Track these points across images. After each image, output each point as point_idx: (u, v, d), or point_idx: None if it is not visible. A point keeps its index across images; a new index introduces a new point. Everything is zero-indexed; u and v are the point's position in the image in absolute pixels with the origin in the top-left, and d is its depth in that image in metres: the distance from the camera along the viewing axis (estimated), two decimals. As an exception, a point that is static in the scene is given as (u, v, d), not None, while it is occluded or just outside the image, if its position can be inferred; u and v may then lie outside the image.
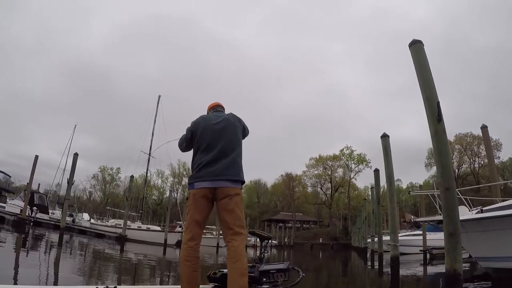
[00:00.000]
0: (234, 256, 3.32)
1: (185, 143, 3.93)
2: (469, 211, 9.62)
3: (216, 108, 4.19)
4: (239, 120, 4.02)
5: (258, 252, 4.28)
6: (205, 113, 4.20)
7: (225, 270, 3.53)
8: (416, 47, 6.68)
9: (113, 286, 3.19)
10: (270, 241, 4.56)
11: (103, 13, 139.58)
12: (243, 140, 4.05)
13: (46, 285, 6.71)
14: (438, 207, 9.39)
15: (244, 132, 4.09)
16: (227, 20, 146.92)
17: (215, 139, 3.70)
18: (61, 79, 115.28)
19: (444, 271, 5.42)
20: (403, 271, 12.84)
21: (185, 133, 3.95)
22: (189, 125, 3.93)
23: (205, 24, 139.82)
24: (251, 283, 3.53)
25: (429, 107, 6.02)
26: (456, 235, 5.41)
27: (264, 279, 3.81)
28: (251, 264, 3.79)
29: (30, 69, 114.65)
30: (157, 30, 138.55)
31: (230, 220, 3.49)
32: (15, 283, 6.29)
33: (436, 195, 9.34)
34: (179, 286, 3.40)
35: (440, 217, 8.73)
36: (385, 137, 11.79)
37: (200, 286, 3.47)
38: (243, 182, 3.81)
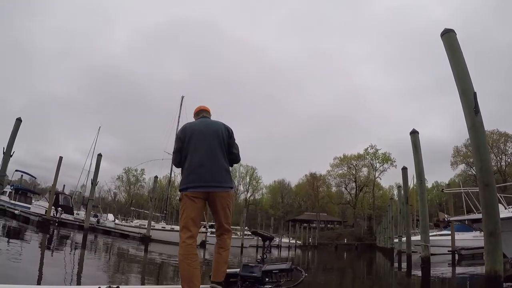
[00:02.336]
0: (223, 247, 3.84)
1: (178, 156, 3.98)
2: (505, 209, 9.14)
3: (202, 114, 4.27)
4: (227, 129, 4.11)
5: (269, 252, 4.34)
6: (201, 113, 4.28)
7: (228, 270, 3.78)
8: (448, 36, 6.36)
9: (115, 286, 3.15)
10: (272, 241, 4.53)
11: (127, 19, 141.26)
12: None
13: (69, 284, 6.65)
14: (472, 206, 8.93)
15: (231, 143, 4.14)
16: (247, 22, 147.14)
17: (202, 144, 3.86)
18: (86, 83, 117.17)
19: (475, 272, 5.04)
20: (430, 272, 12.41)
21: (174, 148, 4.09)
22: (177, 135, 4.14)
23: (225, 26, 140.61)
24: (254, 283, 3.70)
25: (465, 99, 5.70)
26: (497, 234, 5.04)
27: (267, 279, 3.83)
28: (253, 264, 3.88)
29: (56, 74, 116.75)
30: (178, 33, 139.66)
31: (223, 218, 3.87)
32: (39, 283, 6.36)
33: (470, 193, 8.90)
34: (180, 286, 3.44)
35: (475, 216, 8.30)
36: (414, 134, 11.36)
37: (203, 286, 3.50)
38: (231, 187, 4.05)
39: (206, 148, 3.83)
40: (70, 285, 6.71)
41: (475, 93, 5.58)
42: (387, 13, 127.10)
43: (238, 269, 3.91)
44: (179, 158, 3.94)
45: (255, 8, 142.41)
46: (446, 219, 15.04)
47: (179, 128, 4.06)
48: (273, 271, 3.87)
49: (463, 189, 10.50)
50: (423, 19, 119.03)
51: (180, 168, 3.98)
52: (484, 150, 5.36)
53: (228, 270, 3.75)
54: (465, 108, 5.64)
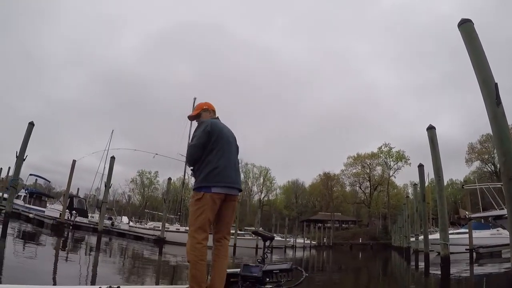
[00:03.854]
0: (226, 254, 3.75)
1: (200, 151, 3.81)
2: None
3: (216, 115, 4.32)
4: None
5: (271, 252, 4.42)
6: (215, 113, 4.30)
7: (229, 270, 3.76)
8: (466, 26, 6.15)
9: (116, 286, 3.16)
10: (272, 241, 4.51)
11: (136, 25, 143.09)
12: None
13: (85, 284, 6.61)
14: (493, 202, 8.68)
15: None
16: (255, 24, 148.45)
17: (228, 146, 3.90)
18: (99, 88, 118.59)
19: (494, 271, 4.85)
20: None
21: (196, 141, 3.83)
22: (203, 128, 3.86)
23: (234, 29, 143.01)
24: (254, 283, 3.69)
25: (486, 89, 5.47)
26: (523, 231, 4.80)
27: (267, 279, 3.82)
28: (254, 264, 3.87)
29: (69, 80, 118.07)
30: (187, 36, 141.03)
31: (230, 221, 3.88)
32: (55, 283, 6.41)
33: (491, 189, 8.64)
34: (181, 286, 3.53)
35: (498, 212, 8.05)
36: (431, 129, 11.07)
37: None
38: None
39: (231, 152, 3.91)
40: (80, 285, 6.65)
41: (496, 84, 5.37)
42: (393, 9, 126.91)
43: (239, 269, 3.88)
44: (200, 153, 3.78)
45: (263, 9, 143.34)
46: (467, 216, 14.73)
47: (208, 125, 3.86)
48: (274, 271, 3.87)
49: (484, 185, 10.26)
50: (430, 15, 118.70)
51: (193, 165, 3.86)
52: (508, 142, 5.13)
53: (228, 270, 3.75)
54: (486, 99, 5.42)
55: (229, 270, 3.73)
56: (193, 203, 3.66)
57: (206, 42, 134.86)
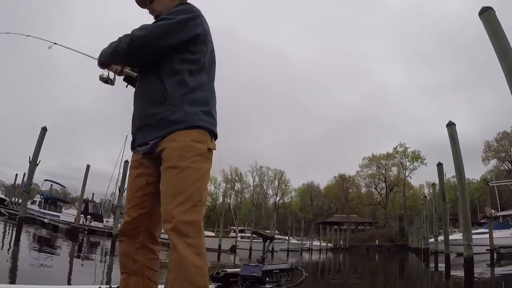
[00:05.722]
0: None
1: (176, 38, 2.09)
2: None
3: None
4: None
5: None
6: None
7: (229, 270, 3.65)
8: (487, 14, 5.87)
9: (116, 286, 2.92)
10: (273, 241, 4.49)
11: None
12: None
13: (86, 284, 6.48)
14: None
15: None
16: (266, 27, 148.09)
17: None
18: (111, 94, 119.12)
19: None
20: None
21: (178, 27, 2.08)
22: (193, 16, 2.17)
23: (244, 33, 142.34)
24: (254, 283, 3.57)
25: (511, 79, 5.17)
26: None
27: (267, 279, 3.70)
28: (254, 264, 3.75)
29: (83, 86, 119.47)
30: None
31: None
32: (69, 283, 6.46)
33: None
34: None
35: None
36: (451, 125, 10.72)
37: None
38: None
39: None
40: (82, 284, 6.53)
41: (523, 73, 5.08)
42: (401, 9, 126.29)
43: (239, 269, 3.73)
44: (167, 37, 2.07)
45: (273, 13, 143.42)
46: (493, 214, 14.31)
47: (201, 20, 2.24)
48: (274, 271, 3.73)
49: (509, 181, 9.88)
50: (439, 14, 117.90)
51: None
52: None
53: (228, 270, 3.65)
54: (512, 90, 5.12)
55: (229, 270, 3.61)
56: (195, 155, 2.01)
57: (218, 44, 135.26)
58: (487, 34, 5.87)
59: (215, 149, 2.15)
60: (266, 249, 4.13)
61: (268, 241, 4.28)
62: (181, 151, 1.97)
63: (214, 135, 2.16)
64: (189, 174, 1.95)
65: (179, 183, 1.94)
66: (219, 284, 3.72)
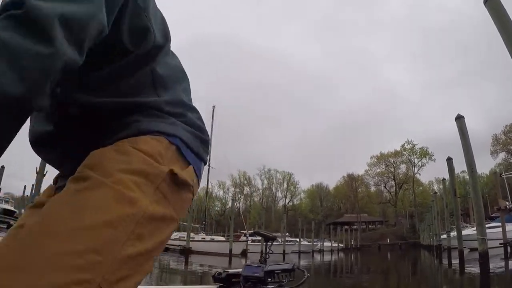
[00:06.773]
0: None
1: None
2: None
3: None
4: None
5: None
6: None
7: (230, 270, 3.52)
8: (492, 2, 5.73)
9: None
10: (274, 241, 4.27)
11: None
12: None
13: None
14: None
15: None
16: (270, 30, 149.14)
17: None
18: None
19: None
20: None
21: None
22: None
23: (250, 39, 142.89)
24: (256, 283, 3.43)
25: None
26: None
27: (269, 279, 3.53)
28: (256, 264, 3.60)
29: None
30: (204, 47, 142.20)
31: None
32: None
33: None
34: (182, 286, 3.16)
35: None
36: (460, 119, 10.56)
37: (205, 286, 3.47)
38: None
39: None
40: None
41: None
42: (405, 9, 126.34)
43: (241, 269, 3.56)
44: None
45: (278, 16, 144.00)
46: (508, 206, 14.10)
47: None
48: (276, 271, 3.55)
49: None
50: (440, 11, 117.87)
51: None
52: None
53: (230, 270, 3.53)
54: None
55: (231, 270, 3.51)
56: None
57: (222, 49, 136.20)
58: (493, 22, 5.75)
59: None
60: (268, 249, 4.07)
61: (270, 241, 4.20)
62: None
63: None
64: None
65: None
66: (221, 284, 3.60)
